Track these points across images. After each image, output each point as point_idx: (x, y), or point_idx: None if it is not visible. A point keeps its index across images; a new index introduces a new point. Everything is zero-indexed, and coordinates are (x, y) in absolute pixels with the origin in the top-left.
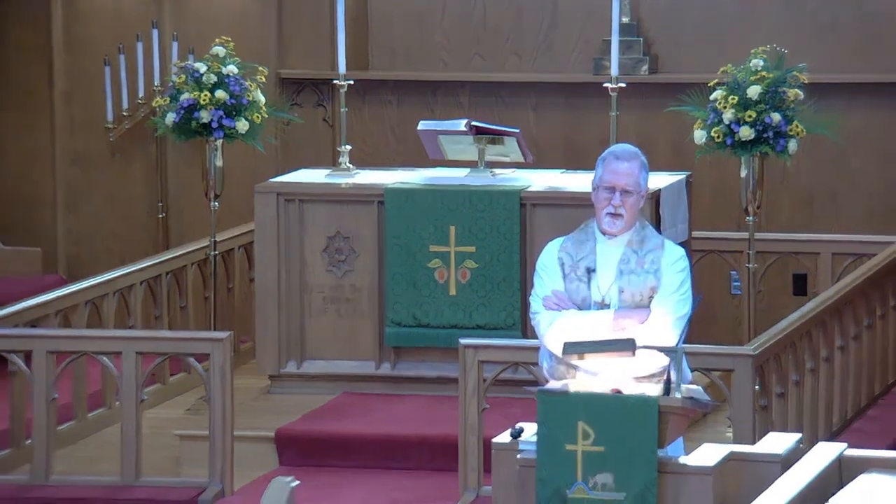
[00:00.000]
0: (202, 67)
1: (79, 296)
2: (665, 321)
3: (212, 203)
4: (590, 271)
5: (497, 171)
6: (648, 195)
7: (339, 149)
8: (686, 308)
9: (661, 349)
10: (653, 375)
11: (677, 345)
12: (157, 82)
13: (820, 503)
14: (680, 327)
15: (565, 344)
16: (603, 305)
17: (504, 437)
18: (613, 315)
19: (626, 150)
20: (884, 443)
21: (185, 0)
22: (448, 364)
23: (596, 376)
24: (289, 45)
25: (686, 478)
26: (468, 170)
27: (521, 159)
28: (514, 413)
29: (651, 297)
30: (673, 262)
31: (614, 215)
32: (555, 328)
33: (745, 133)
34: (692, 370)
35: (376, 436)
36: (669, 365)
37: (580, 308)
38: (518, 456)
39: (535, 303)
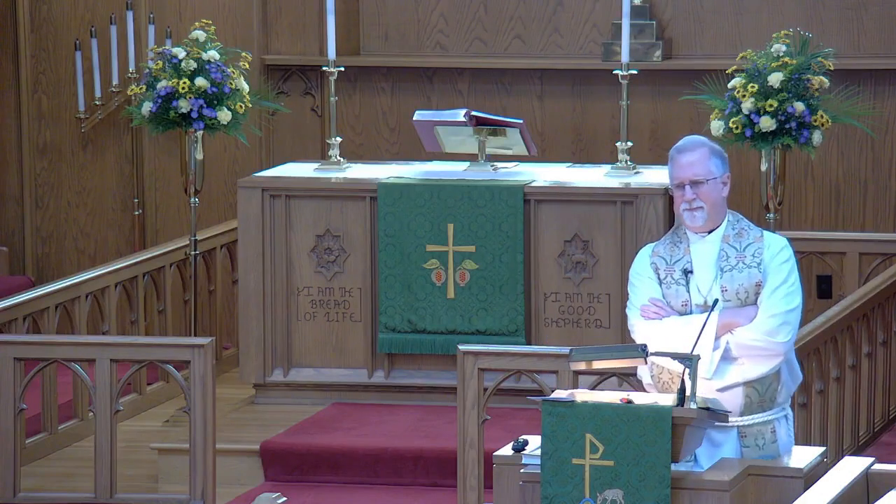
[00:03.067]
0: (181, 53)
1: (48, 299)
2: (774, 319)
3: (192, 199)
4: (687, 273)
5: (499, 164)
6: (728, 180)
7: (328, 140)
8: (796, 300)
9: (675, 356)
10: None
11: (692, 353)
12: (132, 69)
13: None
14: (792, 323)
15: (572, 350)
16: (706, 308)
17: (506, 451)
18: (718, 317)
19: (689, 141)
20: None
21: None
22: (446, 372)
23: (708, 381)
24: (274, 29)
25: (702, 494)
26: (468, 163)
27: (525, 152)
28: (516, 425)
29: (758, 294)
30: (776, 252)
31: (691, 210)
32: (656, 335)
33: (766, 124)
34: None
35: (368, 449)
36: (684, 374)
37: (681, 314)
38: (521, 471)
39: (632, 313)
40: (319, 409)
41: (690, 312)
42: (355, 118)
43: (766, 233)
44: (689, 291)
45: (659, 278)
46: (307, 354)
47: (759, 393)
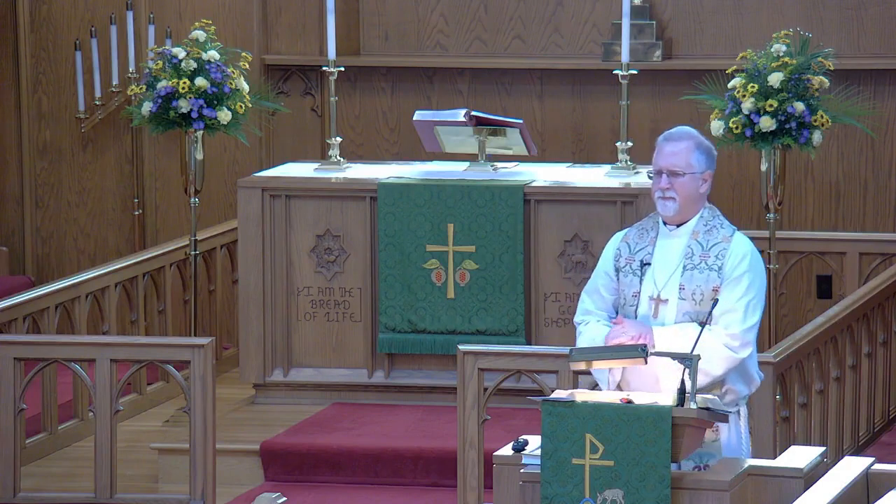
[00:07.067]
0: (181, 53)
1: (48, 299)
2: (733, 339)
3: (192, 199)
4: (643, 265)
5: (499, 164)
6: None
7: (328, 140)
8: (756, 317)
9: (674, 356)
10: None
11: (692, 353)
12: (132, 69)
13: None
14: (748, 339)
15: (572, 350)
16: (659, 301)
17: (506, 451)
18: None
19: (677, 131)
20: None
21: None
22: (446, 372)
23: None
24: (274, 28)
25: (701, 494)
26: (468, 163)
27: (525, 152)
28: (516, 425)
29: (714, 299)
30: (738, 262)
31: (664, 198)
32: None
33: (766, 124)
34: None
35: (368, 449)
36: (683, 374)
37: (631, 304)
38: (521, 471)
39: (581, 304)
40: (319, 409)
41: (639, 303)
42: (355, 118)
43: (736, 235)
44: (641, 283)
45: (618, 266)
46: (307, 354)
47: None
